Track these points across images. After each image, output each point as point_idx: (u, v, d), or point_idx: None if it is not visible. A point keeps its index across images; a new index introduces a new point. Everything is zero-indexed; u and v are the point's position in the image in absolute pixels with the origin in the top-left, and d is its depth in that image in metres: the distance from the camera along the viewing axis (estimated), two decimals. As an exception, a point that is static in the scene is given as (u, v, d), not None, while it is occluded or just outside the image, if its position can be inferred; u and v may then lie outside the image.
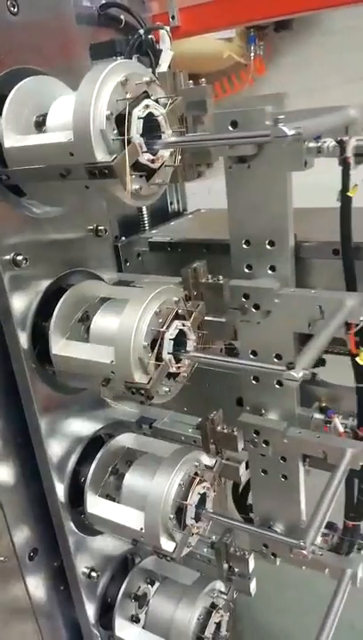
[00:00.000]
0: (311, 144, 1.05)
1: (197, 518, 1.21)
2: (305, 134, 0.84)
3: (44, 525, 1.33)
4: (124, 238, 1.62)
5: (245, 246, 1.27)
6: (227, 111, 1.12)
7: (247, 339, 1.31)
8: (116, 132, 0.92)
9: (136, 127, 0.92)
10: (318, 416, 1.34)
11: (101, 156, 0.91)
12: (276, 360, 1.30)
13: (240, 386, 1.38)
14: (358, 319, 1.13)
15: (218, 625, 1.38)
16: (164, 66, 1.61)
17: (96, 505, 1.27)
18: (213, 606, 1.38)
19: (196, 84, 1.45)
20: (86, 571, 1.36)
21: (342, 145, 1.06)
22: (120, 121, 0.92)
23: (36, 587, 1.35)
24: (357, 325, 1.14)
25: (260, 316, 1.25)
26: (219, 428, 1.29)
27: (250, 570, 1.46)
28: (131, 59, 1.55)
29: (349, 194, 1.12)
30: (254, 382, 1.34)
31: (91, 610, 1.40)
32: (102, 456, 1.30)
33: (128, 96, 0.93)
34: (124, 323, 1.04)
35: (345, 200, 1.12)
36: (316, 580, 1.38)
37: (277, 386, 1.31)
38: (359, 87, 3.37)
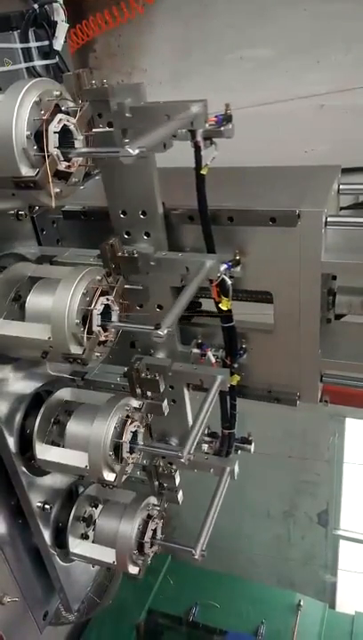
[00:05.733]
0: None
1: (131, 451, 1.47)
2: (149, 148, 1.03)
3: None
4: (38, 208, 1.72)
5: (122, 216, 1.49)
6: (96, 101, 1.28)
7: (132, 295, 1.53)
8: (35, 147, 1.06)
9: (53, 141, 1.06)
10: (195, 351, 1.67)
11: (25, 170, 1.05)
12: (158, 310, 1.58)
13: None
14: (216, 276, 1.41)
15: (154, 531, 1.67)
16: (60, 37, 1.68)
17: (45, 452, 1.49)
18: (149, 517, 1.67)
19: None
20: (40, 504, 1.60)
21: (192, 132, 1.30)
22: (39, 136, 1.05)
23: (-2, 523, 1.58)
24: (217, 280, 1.42)
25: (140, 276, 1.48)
26: (143, 374, 1.52)
27: (177, 483, 1.77)
28: (27, 33, 1.61)
29: (202, 172, 1.35)
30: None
31: (47, 535, 1.65)
32: (45, 410, 1.50)
33: (42, 112, 1.06)
34: (57, 304, 1.22)
35: (199, 178, 1.35)
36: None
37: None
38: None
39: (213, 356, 1.61)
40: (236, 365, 1.59)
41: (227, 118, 1.32)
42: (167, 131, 1.16)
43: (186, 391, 1.69)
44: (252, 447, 1.79)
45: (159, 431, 1.81)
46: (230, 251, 1.52)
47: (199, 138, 1.29)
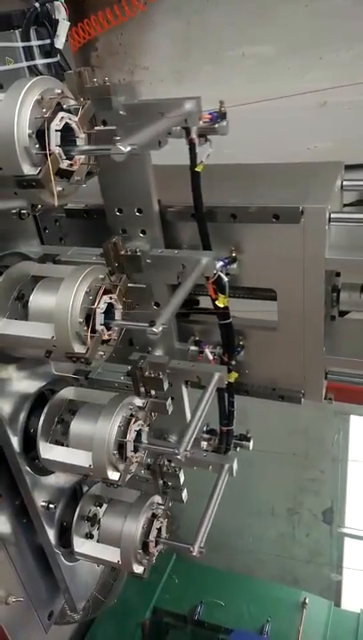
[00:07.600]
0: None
1: (136, 450, 1.46)
2: (140, 145, 1.03)
3: (4, 472, 1.54)
4: (40, 207, 1.72)
5: (118, 213, 1.49)
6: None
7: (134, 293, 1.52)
8: (37, 146, 1.05)
9: (55, 139, 1.06)
10: (193, 348, 1.66)
11: (28, 169, 1.05)
12: (155, 307, 1.58)
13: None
14: (212, 273, 1.40)
15: (159, 530, 1.67)
16: (62, 36, 1.68)
17: (48, 451, 1.49)
18: (154, 516, 1.66)
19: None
20: (45, 504, 1.60)
21: (187, 130, 1.29)
22: (40, 135, 1.05)
23: (3, 523, 1.58)
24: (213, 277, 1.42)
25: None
26: (146, 373, 1.52)
27: (181, 482, 1.77)
28: (28, 32, 1.60)
29: (197, 169, 1.35)
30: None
31: (51, 534, 1.65)
32: (49, 409, 1.50)
33: (44, 110, 1.05)
34: (60, 303, 1.21)
35: (194, 175, 1.35)
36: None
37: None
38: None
39: (211, 353, 1.61)
40: (233, 362, 1.59)
41: (221, 115, 1.31)
42: (159, 128, 1.16)
43: (184, 388, 1.68)
44: (251, 444, 1.78)
45: (158, 429, 1.79)
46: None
47: (194, 135, 1.29)
